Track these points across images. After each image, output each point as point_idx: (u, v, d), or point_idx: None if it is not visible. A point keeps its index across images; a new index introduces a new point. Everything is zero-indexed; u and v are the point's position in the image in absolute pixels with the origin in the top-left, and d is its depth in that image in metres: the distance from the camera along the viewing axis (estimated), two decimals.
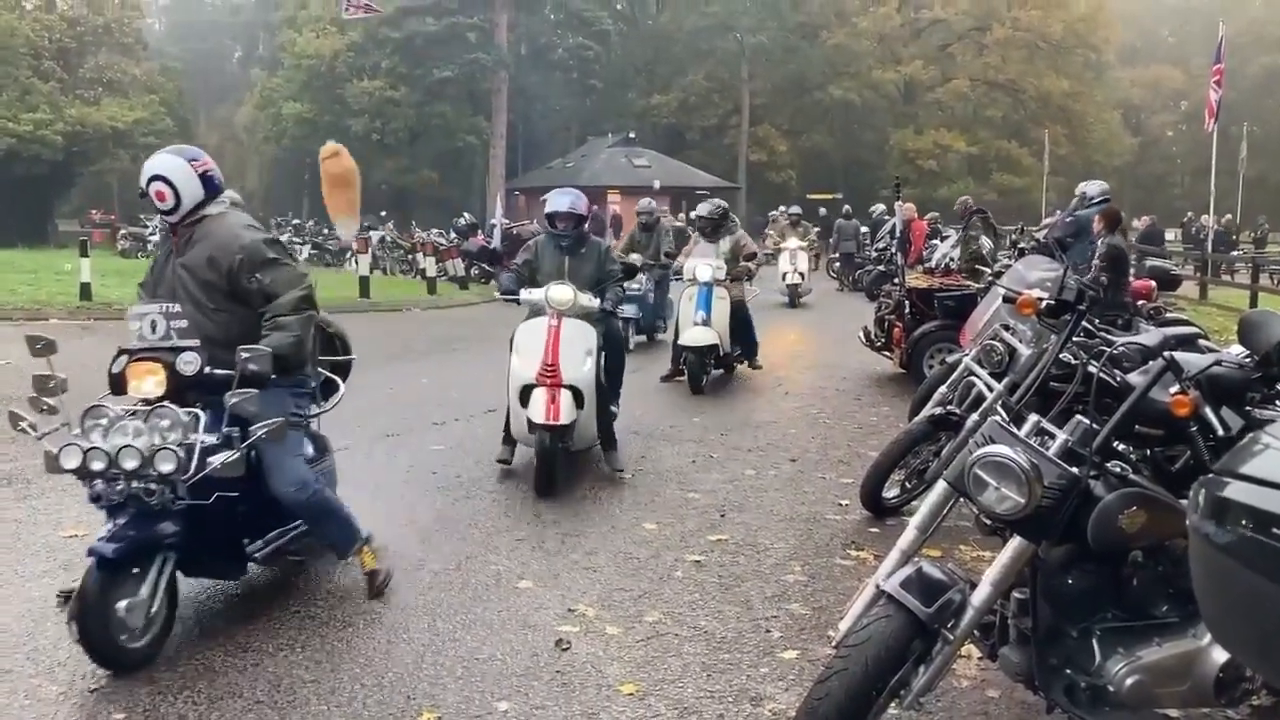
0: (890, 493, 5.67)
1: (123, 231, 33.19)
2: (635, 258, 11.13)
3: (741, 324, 10.20)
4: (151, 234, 31.21)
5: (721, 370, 10.26)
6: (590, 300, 6.39)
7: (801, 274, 18.96)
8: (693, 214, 13.15)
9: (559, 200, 6.77)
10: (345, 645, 3.90)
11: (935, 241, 17.63)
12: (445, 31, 43.86)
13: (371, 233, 25.62)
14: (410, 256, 25.69)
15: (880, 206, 24.21)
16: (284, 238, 31.43)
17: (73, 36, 42.31)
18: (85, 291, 14.65)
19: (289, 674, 3.64)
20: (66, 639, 3.65)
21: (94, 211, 41.00)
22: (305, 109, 44.62)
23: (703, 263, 9.76)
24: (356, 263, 20.06)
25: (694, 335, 9.49)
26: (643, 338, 13.05)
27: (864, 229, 23.97)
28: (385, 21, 42.88)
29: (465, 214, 28.05)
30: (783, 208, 22.04)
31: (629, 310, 11.27)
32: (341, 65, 44.27)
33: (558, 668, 3.72)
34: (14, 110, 38.02)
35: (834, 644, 3.00)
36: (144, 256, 29.01)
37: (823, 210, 34.74)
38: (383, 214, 33.48)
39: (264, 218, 36.84)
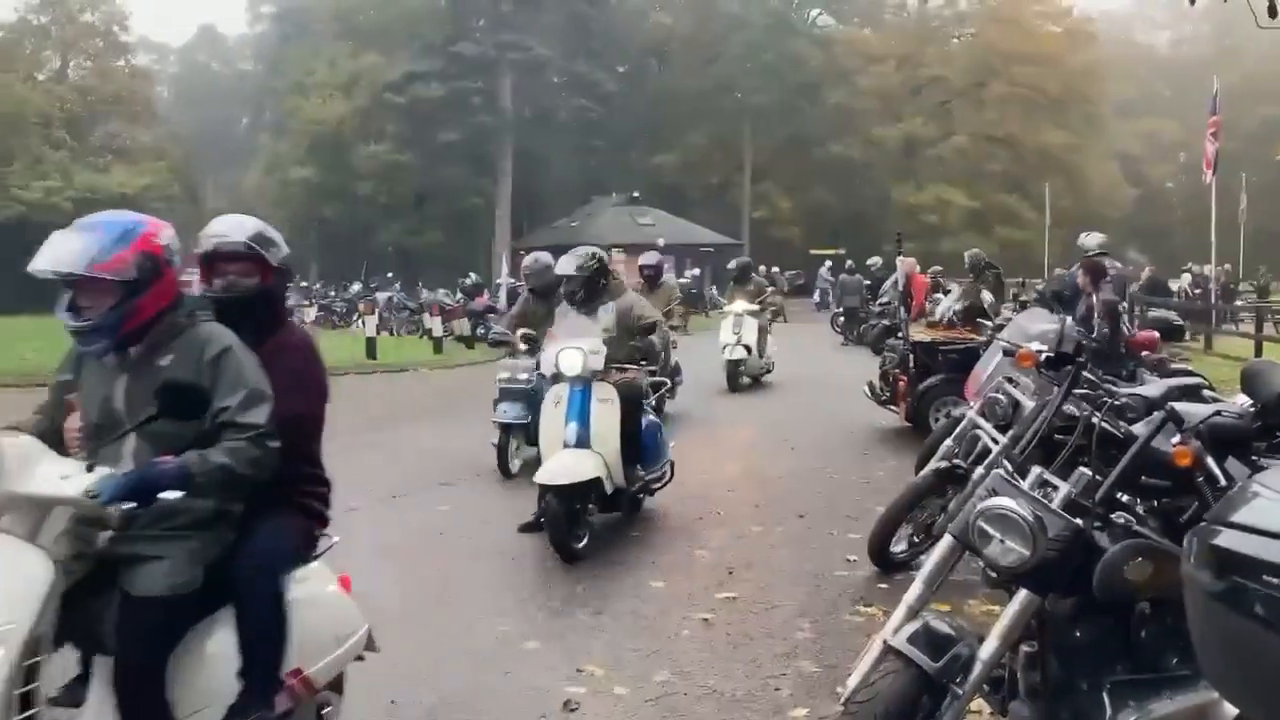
0: (898, 547, 5.65)
1: None
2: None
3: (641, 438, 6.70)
4: None
5: (617, 512, 6.70)
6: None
7: (747, 347, 14.16)
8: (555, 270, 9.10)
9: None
10: (348, 713, 3.88)
11: (938, 295, 17.71)
12: (450, 96, 44.54)
13: (378, 294, 25.82)
14: (417, 317, 25.85)
15: (878, 260, 24.37)
16: (291, 301, 31.82)
17: (83, 105, 43.02)
18: None
19: None
20: None
21: None
22: (312, 173, 45.15)
23: (570, 347, 6.23)
24: (363, 324, 20.18)
25: (558, 466, 5.95)
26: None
27: (866, 283, 24.08)
28: (390, 87, 43.56)
29: (471, 274, 28.28)
30: (735, 262, 16.72)
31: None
32: (348, 130, 44.87)
33: None
34: (25, 179, 38.57)
35: (842, 701, 2.98)
36: None
37: (828, 263, 35.44)
38: (389, 275, 33.77)
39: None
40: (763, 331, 14.71)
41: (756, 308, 14.64)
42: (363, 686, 4.07)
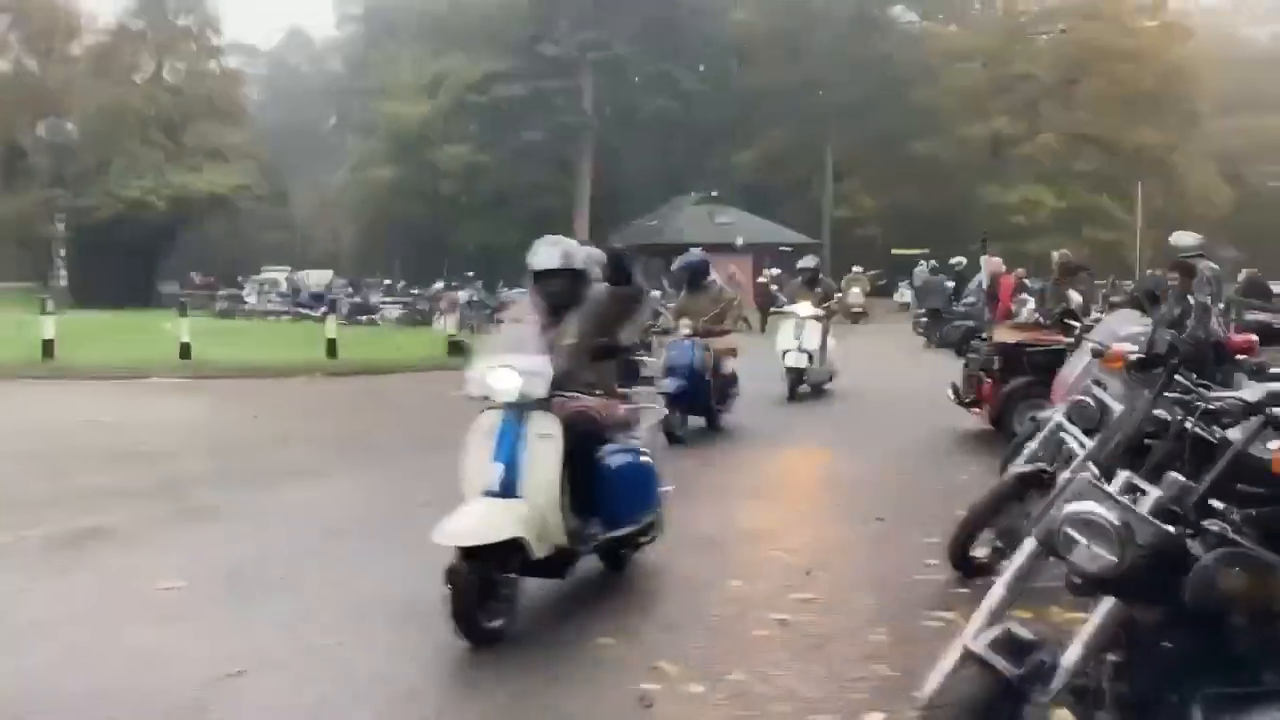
0: (979, 552, 5.54)
1: (221, 293, 34.37)
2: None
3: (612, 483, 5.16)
4: (248, 295, 32.33)
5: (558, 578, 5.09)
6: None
7: (809, 353, 13.12)
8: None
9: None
10: (427, 706, 3.93)
11: (1023, 296, 17.37)
12: (531, 96, 44.94)
13: (459, 293, 26.16)
14: (497, 316, 26.09)
15: (962, 260, 23.98)
16: (374, 299, 32.37)
17: (176, 107, 44.34)
18: (185, 351, 15.15)
19: None
20: (170, 690, 3.75)
21: (194, 274, 42.60)
22: (395, 173, 45.94)
23: (503, 364, 4.79)
24: (445, 323, 20.42)
25: (471, 520, 4.52)
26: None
27: (949, 284, 23.69)
28: (473, 87, 44.08)
29: None
30: (804, 261, 15.27)
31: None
32: (431, 130, 45.55)
33: None
34: (123, 178, 39.93)
35: (920, 706, 2.93)
36: (240, 318, 29.99)
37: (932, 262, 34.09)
38: (470, 274, 34.17)
39: (356, 280, 37.92)
40: (826, 336, 13.71)
41: (821, 312, 13.55)
42: (438, 678, 4.13)
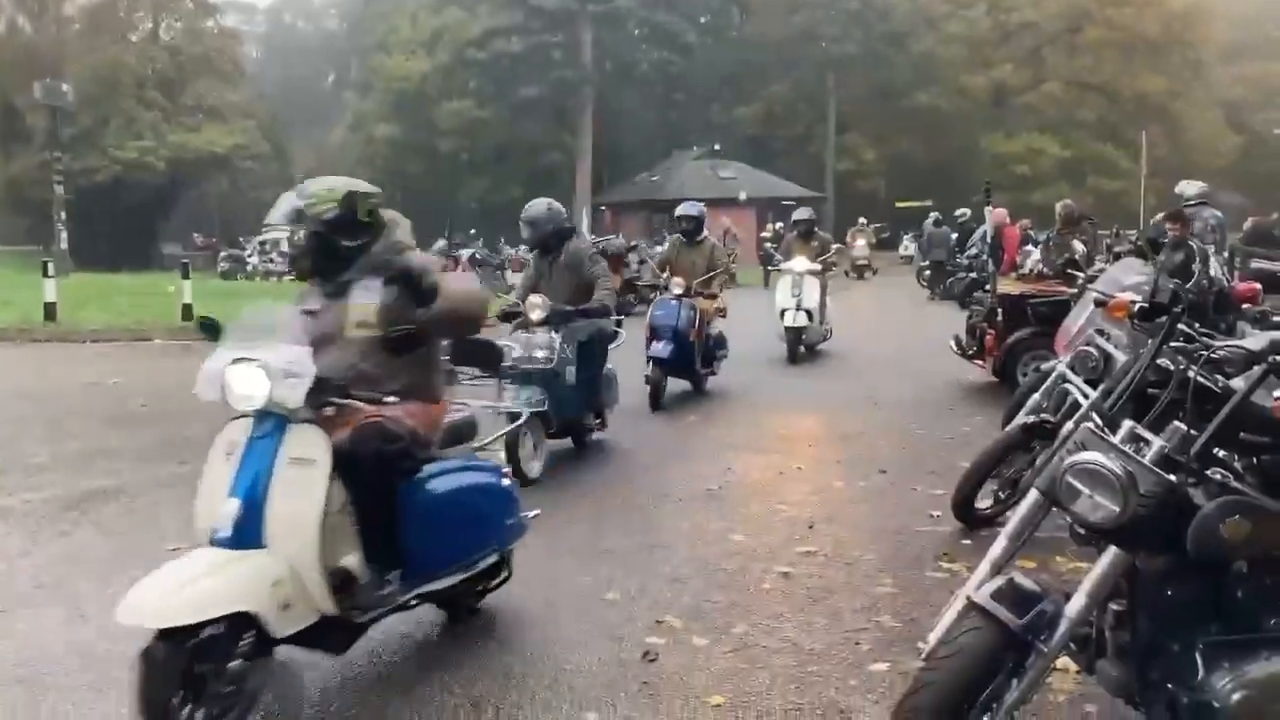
0: (983, 503, 5.55)
1: (223, 254, 34.28)
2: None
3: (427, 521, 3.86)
4: (250, 256, 32.25)
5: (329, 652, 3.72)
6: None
7: (809, 312, 12.48)
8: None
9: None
10: (433, 656, 3.96)
11: (1028, 248, 17.29)
12: (530, 50, 44.54)
13: (461, 250, 26.06)
14: (499, 273, 26.07)
15: (966, 211, 23.84)
16: None
17: (174, 66, 43.95)
18: (187, 312, 15.14)
19: (381, 683, 3.71)
20: None
21: (196, 235, 42.44)
22: (396, 131, 45.64)
23: (247, 358, 3.39)
24: None
25: (169, 586, 3.08)
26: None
27: (953, 235, 23.55)
28: (472, 42, 43.67)
29: None
30: (798, 213, 14.08)
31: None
32: (430, 87, 45.19)
33: (645, 679, 3.72)
34: (120, 139, 39.67)
35: (923, 656, 2.95)
36: (243, 278, 29.94)
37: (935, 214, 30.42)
38: (472, 231, 34.08)
39: None
40: (824, 293, 12.99)
41: (819, 267, 12.86)
42: (451, 631, 4.16)
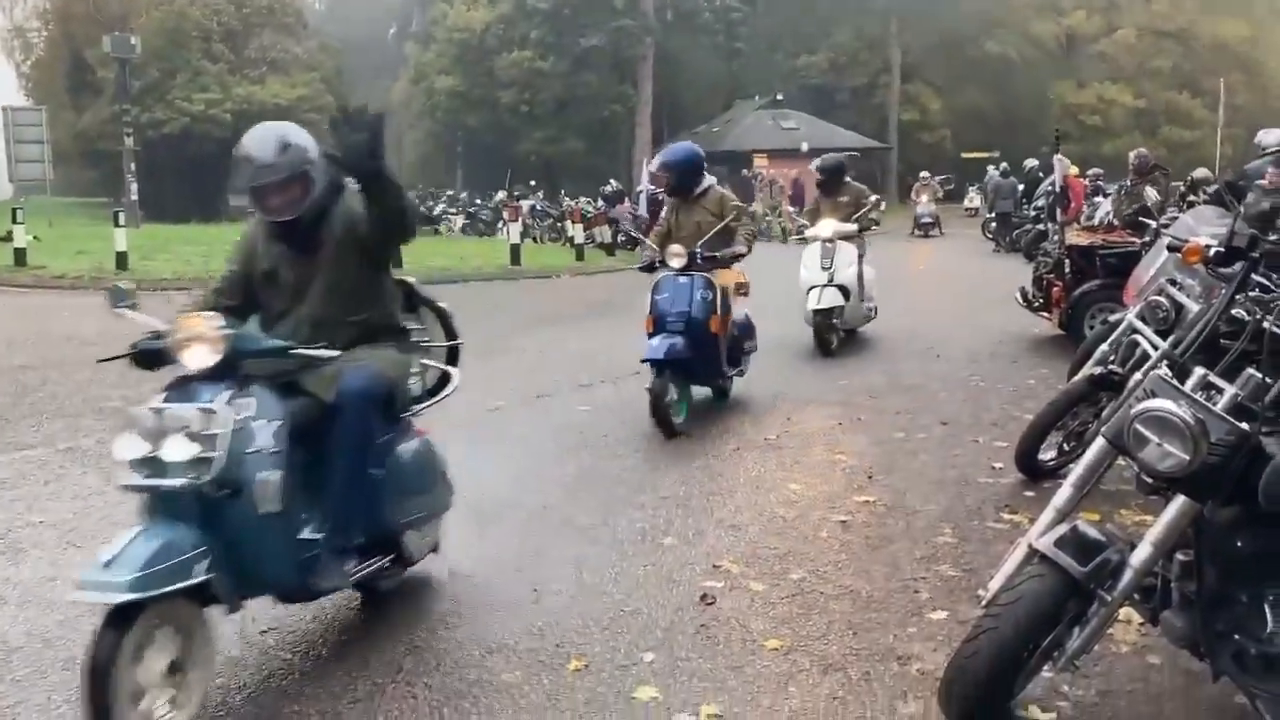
0: (1047, 455, 5.48)
1: None
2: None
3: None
4: None
5: None
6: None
7: (844, 288, 9.62)
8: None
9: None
10: (496, 594, 4.02)
11: (1097, 199, 16.90)
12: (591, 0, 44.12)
13: (522, 202, 26.13)
14: (559, 224, 26.12)
15: (1034, 162, 23.31)
16: (438, 209, 32.46)
17: (238, 18, 44.27)
18: None
19: (443, 621, 3.78)
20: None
21: None
22: (456, 83, 45.63)
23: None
24: (508, 231, 20.47)
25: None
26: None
27: (1020, 186, 23.06)
28: None
29: (612, 181, 28.28)
30: (821, 161, 10.63)
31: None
32: (491, 38, 45.06)
33: (702, 621, 3.74)
34: (187, 91, 40.16)
35: (984, 603, 2.93)
36: None
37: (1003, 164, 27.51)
38: (532, 183, 34.06)
39: (419, 190, 38.07)
40: (861, 261, 10.02)
41: (853, 228, 9.97)
42: (507, 572, 4.22)
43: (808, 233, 10.09)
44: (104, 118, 38.47)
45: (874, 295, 10.57)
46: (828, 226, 9.81)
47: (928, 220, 28.03)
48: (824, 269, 9.56)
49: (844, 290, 9.63)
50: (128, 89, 31.13)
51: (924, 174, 30.84)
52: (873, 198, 10.57)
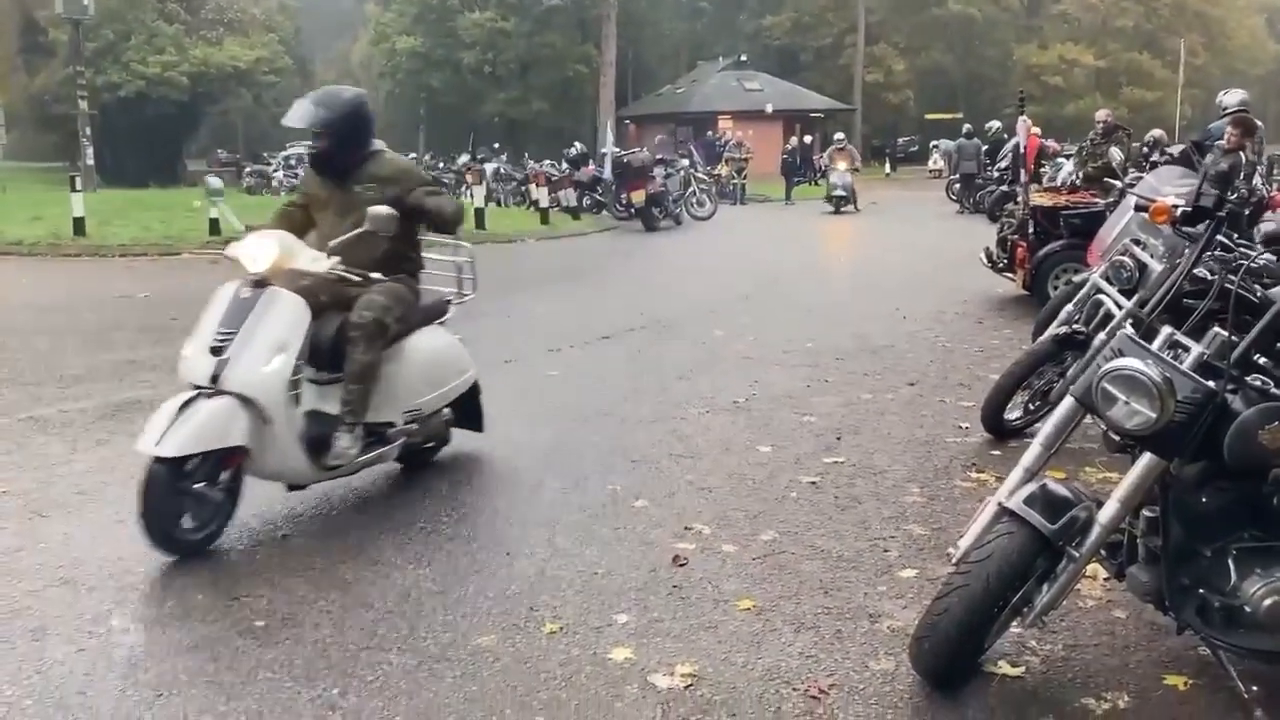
0: (1013, 414, 5.54)
1: (248, 169, 34.20)
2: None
3: None
4: (274, 171, 32.17)
5: None
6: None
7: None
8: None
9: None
10: (469, 559, 4.01)
11: (1059, 160, 17.01)
12: None
13: (485, 165, 25.89)
14: (523, 188, 25.87)
15: (996, 124, 23.41)
16: None
17: None
18: (214, 227, 15.14)
19: (416, 586, 3.77)
20: (200, 563, 3.88)
21: (220, 151, 42.29)
22: (418, 43, 45.09)
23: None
24: (471, 195, 20.30)
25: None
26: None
27: (984, 148, 23.14)
28: None
29: (576, 144, 28.06)
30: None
31: None
32: None
33: (675, 583, 3.77)
34: (142, 53, 39.42)
35: (954, 561, 2.96)
36: (268, 194, 29.94)
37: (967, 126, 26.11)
38: (495, 146, 33.79)
39: None
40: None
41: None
42: (480, 536, 4.22)
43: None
44: (58, 80, 37.75)
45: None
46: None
47: (841, 193, 23.53)
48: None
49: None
50: (81, 51, 30.47)
51: (839, 136, 26.66)
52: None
